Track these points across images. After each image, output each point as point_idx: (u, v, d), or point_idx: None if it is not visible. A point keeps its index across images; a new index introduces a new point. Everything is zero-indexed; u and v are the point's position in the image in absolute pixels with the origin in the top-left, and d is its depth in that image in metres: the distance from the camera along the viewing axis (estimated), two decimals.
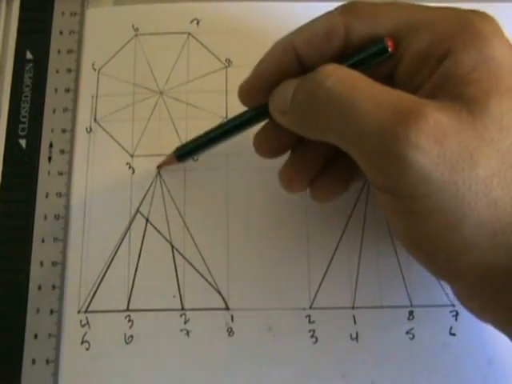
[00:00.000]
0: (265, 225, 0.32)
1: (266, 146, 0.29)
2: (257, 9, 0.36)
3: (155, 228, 0.32)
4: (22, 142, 0.34)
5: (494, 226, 0.21)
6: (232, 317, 0.31)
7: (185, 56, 0.35)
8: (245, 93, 0.28)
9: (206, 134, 0.30)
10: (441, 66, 0.23)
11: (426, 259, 0.24)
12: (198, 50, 0.35)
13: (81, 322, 0.31)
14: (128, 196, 0.33)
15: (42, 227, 0.32)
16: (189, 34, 0.36)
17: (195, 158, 0.33)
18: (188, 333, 0.31)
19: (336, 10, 0.25)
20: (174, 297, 0.31)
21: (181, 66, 0.35)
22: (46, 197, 0.33)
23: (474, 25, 0.23)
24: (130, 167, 0.33)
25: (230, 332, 0.31)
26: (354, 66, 0.24)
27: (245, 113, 0.28)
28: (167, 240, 0.32)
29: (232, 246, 0.32)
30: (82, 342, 0.31)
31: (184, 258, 0.32)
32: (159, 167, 0.33)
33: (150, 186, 0.33)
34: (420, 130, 0.20)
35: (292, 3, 0.36)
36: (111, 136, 0.34)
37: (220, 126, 0.30)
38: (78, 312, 0.31)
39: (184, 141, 0.33)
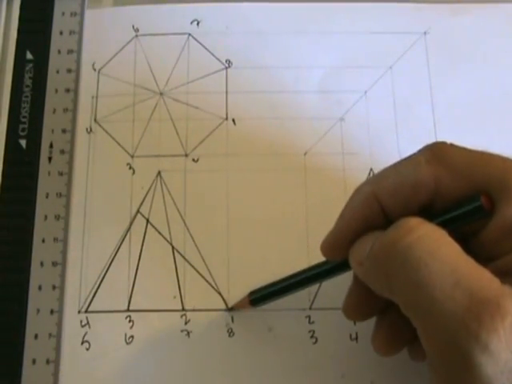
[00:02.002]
0: (265, 225, 0.32)
1: (355, 310, 0.26)
2: (257, 10, 0.36)
3: (155, 229, 0.32)
4: (22, 143, 0.34)
5: None
6: (232, 317, 0.31)
7: (185, 57, 0.35)
8: (327, 248, 0.26)
9: (283, 281, 0.28)
10: None
11: None
12: (198, 50, 0.35)
13: (81, 322, 0.31)
14: (128, 196, 0.33)
15: (42, 227, 0.32)
16: (189, 34, 0.36)
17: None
18: (188, 333, 0.31)
19: (422, 155, 0.23)
20: (175, 297, 0.31)
21: (181, 66, 0.35)
22: (47, 197, 0.33)
23: None
24: (130, 168, 0.33)
25: (231, 333, 0.31)
26: (443, 224, 0.22)
27: (325, 263, 0.27)
28: (167, 241, 0.32)
29: (232, 246, 0.32)
30: (83, 342, 0.31)
31: (184, 258, 0.32)
32: (232, 309, 0.31)
33: (151, 186, 0.33)
34: (493, 331, 0.18)
35: (292, 4, 0.36)
36: (111, 136, 0.34)
37: (298, 274, 0.28)
38: (79, 312, 0.31)
39: (184, 142, 0.33)
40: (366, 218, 0.24)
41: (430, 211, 0.23)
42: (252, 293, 0.30)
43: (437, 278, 0.19)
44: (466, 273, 0.19)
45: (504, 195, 0.21)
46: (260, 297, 0.29)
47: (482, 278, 0.19)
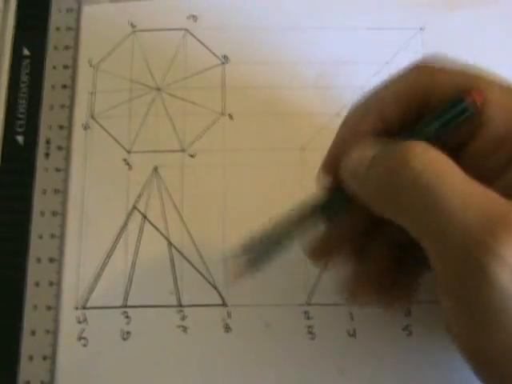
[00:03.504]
0: (262, 220, 0.32)
1: (325, 253, 0.27)
2: (254, 5, 0.36)
3: (152, 224, 0.32)
4: (20, 139, 0.34)
5: None
6: (229, 313, 0.31)
7: (182, 52, 0.35)
8: (327, 165, 0.26)
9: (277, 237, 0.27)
10: None
11: (490, 378, 0.21)
12: (195, 46, 0.35)
13: (78, 318, 0.31)
14: (125, 192, 0.33)
15: (39, 224, 0.32)
16: (186, 30, 0.36)
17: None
18: (185, 329, 0.31)
19: (416, 64, 0.24)
20: (171, 293, 0.31)
21: (178, 62, 0.35)
22: (44, 193, 0.33)
23: None
24: (126, 163, 0.33)
25: (227, 328, 0.31)
26: (435, 131, 0.22)
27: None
28: (164, 236, 0.32)
29: (229, 241, 0.32)
30: (79, 339, 0.31)
31: (181, 254, 0.32)
32: (234, 280, 0.31)
33: (147, 182, 0.33)
34: (508, 243, 0.19)
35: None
36: (108, 132, 0.34)
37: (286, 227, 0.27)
38: (76, 308, 0.31)
39: (180, 137, 0.33)
40: (364, 127, 0.24)
41: (421, 122, 0.23)
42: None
43: (448, 201, 0.20)
44: (474, 193, 0.20)
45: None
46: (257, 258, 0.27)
47: (488, 196, 0.20)
